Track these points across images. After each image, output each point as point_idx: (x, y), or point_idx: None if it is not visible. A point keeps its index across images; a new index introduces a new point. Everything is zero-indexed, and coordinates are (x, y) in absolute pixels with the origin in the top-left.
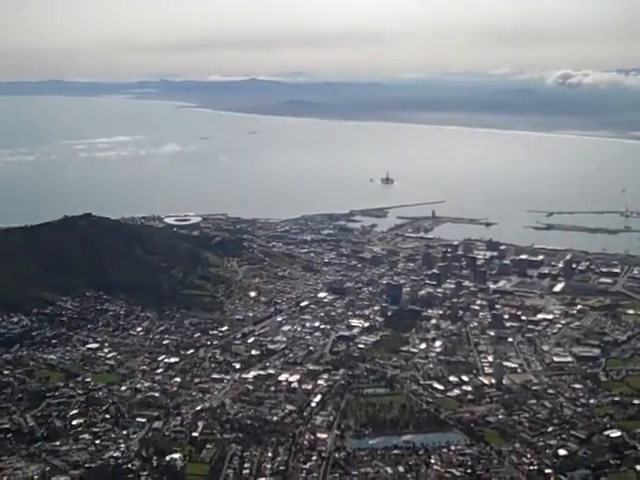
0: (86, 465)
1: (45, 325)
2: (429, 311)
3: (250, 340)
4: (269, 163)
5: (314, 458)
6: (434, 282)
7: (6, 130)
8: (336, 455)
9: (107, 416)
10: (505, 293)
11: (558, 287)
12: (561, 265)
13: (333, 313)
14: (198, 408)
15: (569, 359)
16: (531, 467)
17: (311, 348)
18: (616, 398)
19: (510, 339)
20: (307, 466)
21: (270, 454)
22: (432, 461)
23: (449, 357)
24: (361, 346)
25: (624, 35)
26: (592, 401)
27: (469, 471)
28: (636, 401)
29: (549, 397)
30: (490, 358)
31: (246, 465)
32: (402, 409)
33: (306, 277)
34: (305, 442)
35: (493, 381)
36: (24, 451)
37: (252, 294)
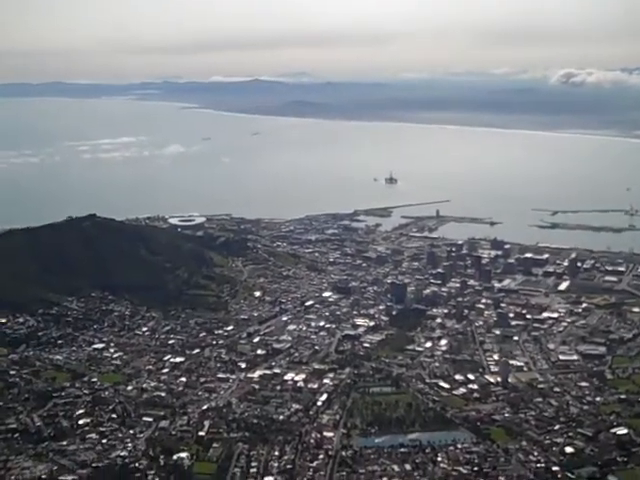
0: (93, 464)
1: (51, 325)
2: (434, 310)
3: (255, 340)
4: (273, 163)
5: (321, 457)
6: (439, 281)
7: (9, 132)
8: (343, 453)
9: (114, 416)
10: (510, 292)
11: (563, 285)
12: (566, 264)
13: (338, 312)
14: (204, 407)
15: (575, 357)
16: (538, 465)
17: (317, 347)
18: (622, 396)
19: (516, 337)
20: (314, 464)
21: (277, 453)
22: (439, 459)
23: (455, 356)
24: (366, 345)
25: (627, 34)
26: (598, 399)
27: (476, 469)
28: None
29: (555, 395)
30: (496, 356)
31: (253, 464)
32: (408, 408)
33: (311, 277)
34: (312, 441)
35: (499, 379)
36: (31, 451)
37: (257, 294)
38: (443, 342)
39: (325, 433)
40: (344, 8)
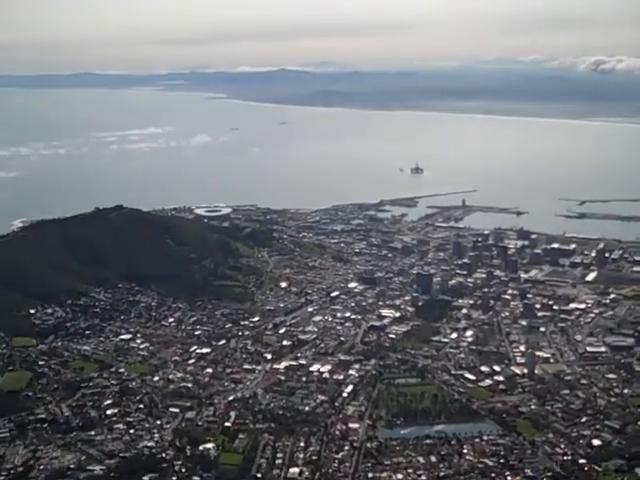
0: (121, 454)
1: (79, 316)
2: (460, 301)
3: (281, 331)
4: (299, 153)
5: (346, 448)
6: (465, 272)
7: (39, 123)
8: (368, 445)
9: (141, 406)
10: (537, 282)
11: (591, 276)
12: (594, 254)
13: (364, 303)
14: (230, 398)
15: (602, 349)
16: (565, 457)
17: (342, 338)
18: None
19: (542, 329)
20: (339, 456)
21: (302, 444)
22: (465, 451)
23: (480, 347)
24: (392, 336)
25: None
26: (626, 391)
27: (502, 461)
28: None
29: (582, 387)
30: (522, 348)
31: (279, 455)
32: (434, 399)
33: (336, 267)
34: (337, 432)
35: (525, 371)
36: (60, 441)
37: (283, 284)
38: (469, 333)
39: (350, 424)
40: None
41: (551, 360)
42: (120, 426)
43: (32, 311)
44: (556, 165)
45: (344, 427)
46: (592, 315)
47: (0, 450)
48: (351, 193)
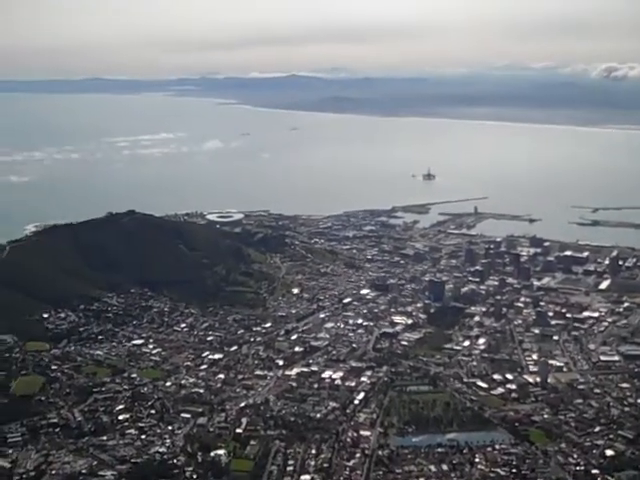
0: (132, 460)
1: (92, 321)
2: (472, 308)
3: (293, 337)
4: (311, 159)
5: (357, 455)
6: (477, 279)
7: (52, 128)
8: (379, 453)
9: (152, 411)
10: (549, 290)
11: (604, 284)
12: (607, 262)
13: (376, 310)
14: (242, 404)
15: (616, 358)
16: (577, 467)
17: (354, 345)
18: None
19: (555, 337)
20: (350, 463)
21: (314, 451)
22: (476, 460)
23: (493, 355)
24: (404, 343)
25: None
26: None
27: (514, 471)
28: None
29: (596, 396)
30: (535, 356)
31: (290, 462)
32: (446, 407)
33: (348, 274)
34: (348, 439)
35: (538, 380)
36: (72, 445)
37: (295, 291)
38: (481, 341)
39: (362, 432)
40: (381, 3)
41: (564, 369)
42: (132, 431)
43: (45, 316)
44: (568, 172)
45: (355, 434)
46: (605, 324)
47: (12, 454)
48: (363, 199)
